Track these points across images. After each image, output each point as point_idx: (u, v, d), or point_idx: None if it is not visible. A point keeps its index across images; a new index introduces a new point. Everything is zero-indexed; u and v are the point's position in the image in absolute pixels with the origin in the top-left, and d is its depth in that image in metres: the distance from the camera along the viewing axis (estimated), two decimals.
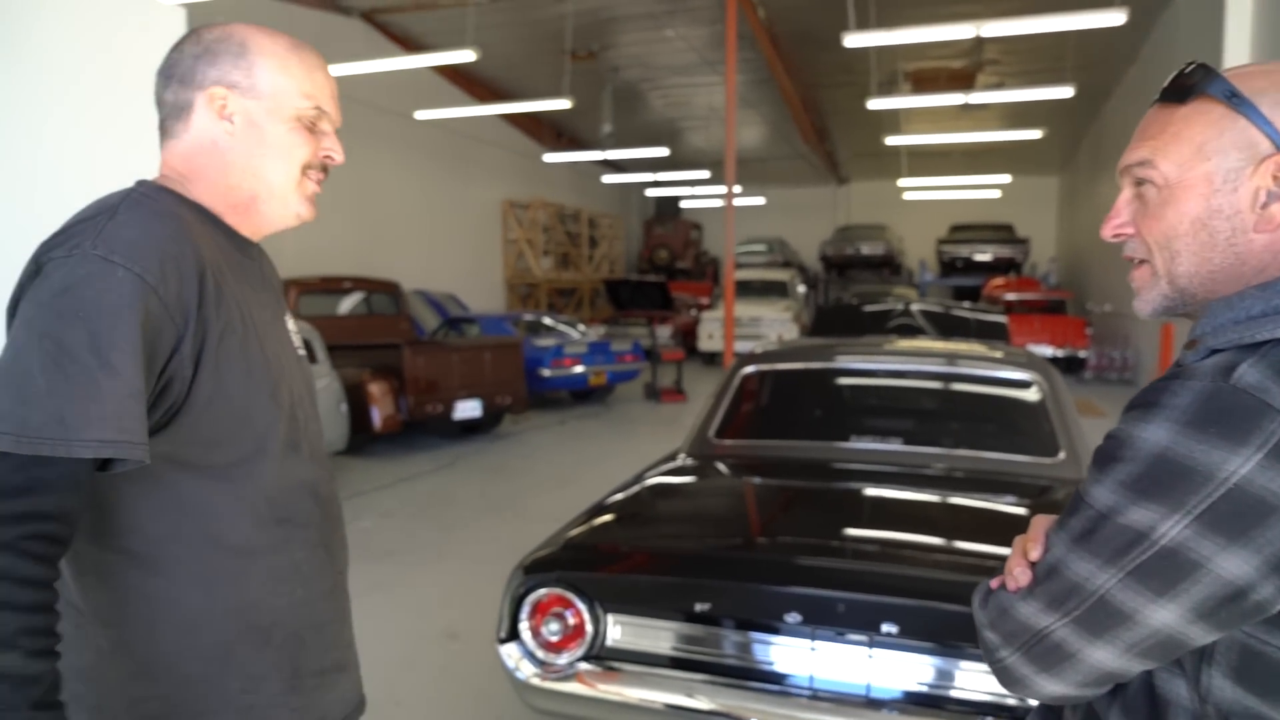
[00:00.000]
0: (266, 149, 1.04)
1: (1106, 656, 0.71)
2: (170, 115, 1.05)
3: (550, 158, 16.42)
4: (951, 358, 3.41)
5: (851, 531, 2.47)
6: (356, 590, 1.23)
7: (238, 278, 1.03)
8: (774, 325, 14.16)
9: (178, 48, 1.05)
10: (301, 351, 1.18)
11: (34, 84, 3.12)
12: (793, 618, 2.02)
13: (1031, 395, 3.13)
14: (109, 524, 0.94)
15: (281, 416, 1.03)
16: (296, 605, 1.05)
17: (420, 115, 12.12)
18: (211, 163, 1.04)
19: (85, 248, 0.87)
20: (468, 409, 7.82)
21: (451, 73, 13.89)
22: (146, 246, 0.89)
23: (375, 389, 7.05)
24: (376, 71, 9.60)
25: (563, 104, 10.80)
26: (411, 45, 12.40)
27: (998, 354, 3.41)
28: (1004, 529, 2.53)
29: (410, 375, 7.33)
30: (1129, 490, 0.69)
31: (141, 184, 1.03)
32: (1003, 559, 0.82)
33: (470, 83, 14.41)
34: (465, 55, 8.76)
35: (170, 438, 0.94)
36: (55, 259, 0.88)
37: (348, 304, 9.68)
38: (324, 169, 1.11)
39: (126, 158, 3.48)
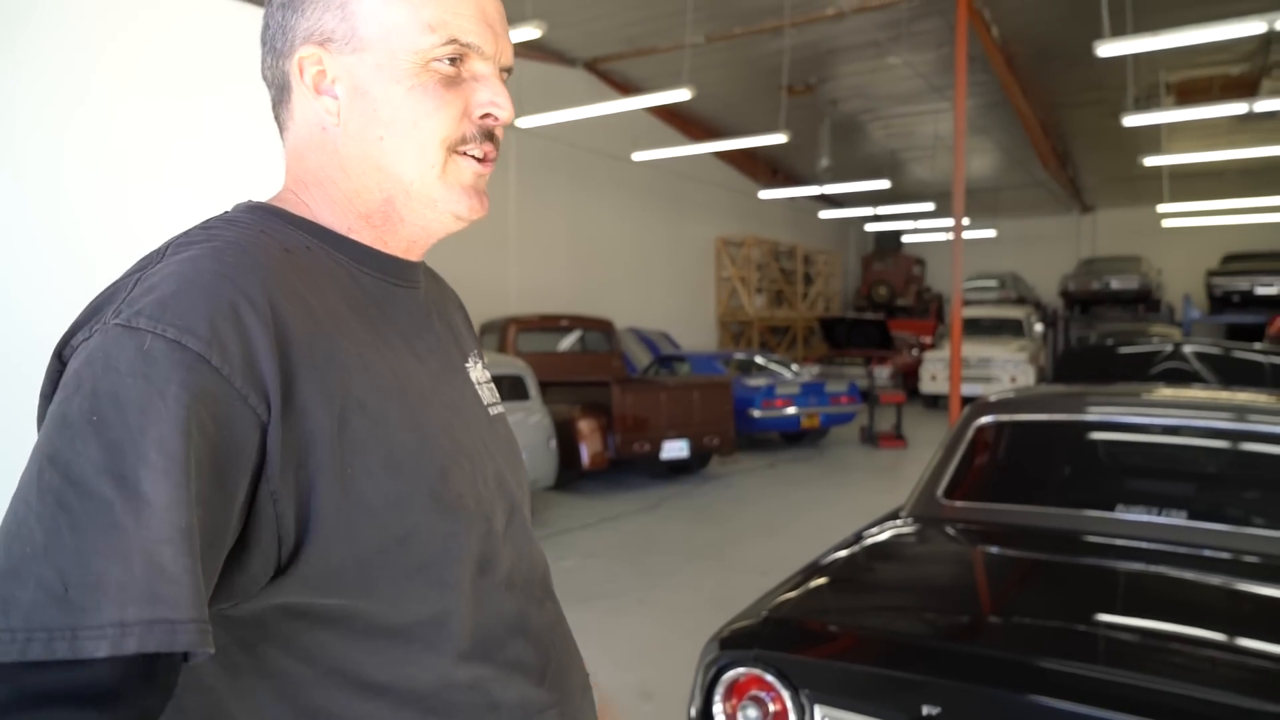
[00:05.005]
0: (381, 126, 0.71)
1: None
2: (275, 101, 0.76)
3: (765, 194, 16.24)
4: (1248, 412, 2.77)
5: (1124, 630, 1.98)
6: None
7: (377, 318, 0.72)
8: (1006, 367, 13.00)
9: None
10: (497, 409, 0.83)
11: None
12: None
13: None
14: None
15: (463, 522, 0.69)
16: None
17: (637, 157, 12.39)
18: (326, 161, 0.73)
19: (108, 318, 0.59)
20: (675, 449, 7.70)
21: (667, 114, 14.14)
22: (186, 295, 0.59)
23: (584, 426, 7.10)
24: (596, 116, 9.91)
25: (778, 139, 10.59)
26: (631, 90, 12.74)
27: None
28: None
29: (618, 413, 7.33)
30: None
31: (236, 206, 0.75)
32: None
33: (685, 123, 14.60)
34: (680, 94, 8.80)
35: (293, 585, 0.62)
36: (79, 346, 0.60)
37: (567, 342, 9.97)
38: (489, 136, 0.74)
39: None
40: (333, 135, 0.72)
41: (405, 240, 0.76)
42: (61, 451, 0.54)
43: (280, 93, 0.75)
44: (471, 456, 0.73)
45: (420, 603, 0.66)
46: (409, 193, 0.73)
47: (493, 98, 0.72)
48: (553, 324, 9.86)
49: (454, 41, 0.70)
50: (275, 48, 0.73)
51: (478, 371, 0.84)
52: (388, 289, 0.75)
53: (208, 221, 0.70)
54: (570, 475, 7.26)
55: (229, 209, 0.74)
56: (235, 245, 0.65)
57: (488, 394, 0.83)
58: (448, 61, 0.70)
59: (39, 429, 0.61)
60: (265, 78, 0.76)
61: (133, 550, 0.52)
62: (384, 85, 0.70)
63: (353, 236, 0.74)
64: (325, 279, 0.69)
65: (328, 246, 0.72)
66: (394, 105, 0.70)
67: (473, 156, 0.73)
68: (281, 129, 0.77)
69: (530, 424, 6.43)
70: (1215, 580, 2.21)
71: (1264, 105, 8.30)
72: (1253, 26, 6.07)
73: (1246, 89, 11.01)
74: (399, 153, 0.71)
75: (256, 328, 0.60)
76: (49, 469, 0.54)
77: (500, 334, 9.19)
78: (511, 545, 0.76)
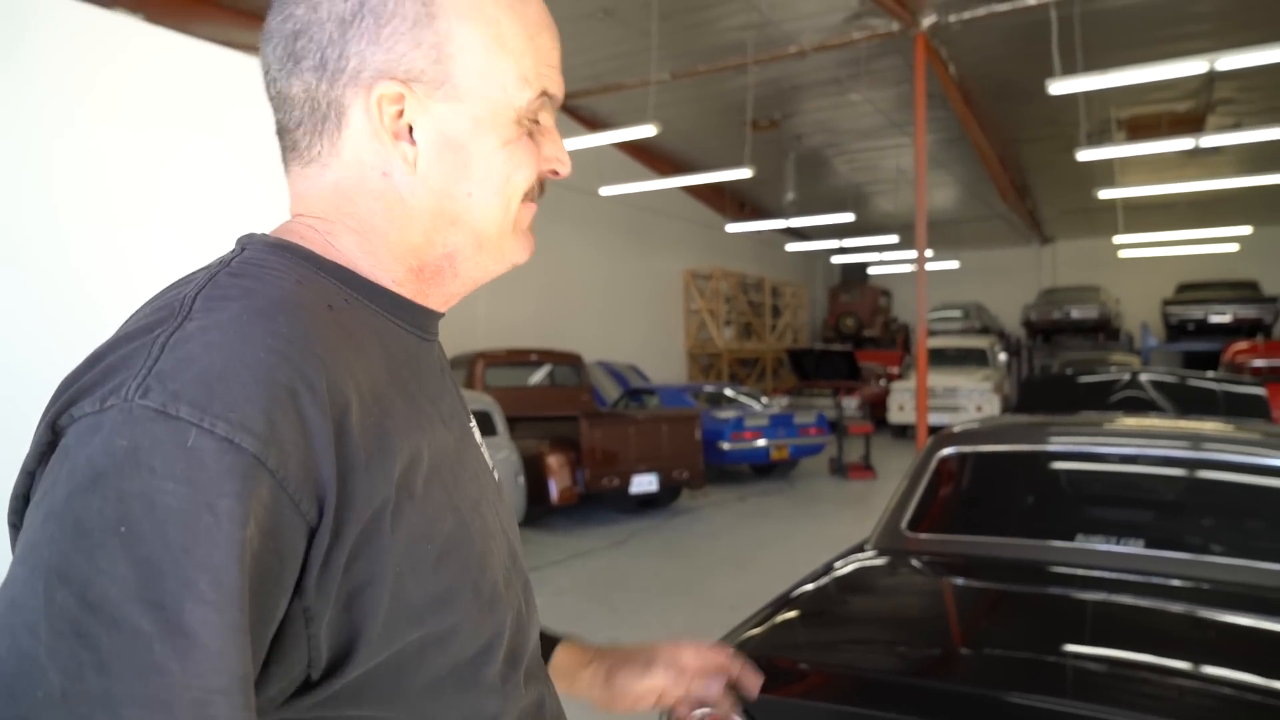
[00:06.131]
0: (473, 181, 0.63)
1: None
2: (303, 124, 0.63)
3: (732, 228, 16.42)
4: (1204, 440, 2.82)
5: (1086, 660, 1.99)
6: None
7: (410, 381, 0.64)
8: (972, 396, 13.18)
9: None
10: (496, 471, 0.77)
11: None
12: None
13: None
14: None
15: (499, 613, 0.63)
16: None
17: (605, 191, 12.48)
18: (381, 209, 0.63)
19: (129, 392, 0.48)
20: (644, 483, 7.66)
21: (634, 149, 14.28)
22: (237, 377, 0.49)
23: (553, 461, 7.05)
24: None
25: (744, 174, 10.73)
26: (599, 126, 12.87)
27: (1266, 435, 2.79)
28: None
29: (587, 447, 7.29)
30: None
31: (248, 243, 0.62)
32: None
33: (652, 158, 14.75)
34: (646, 130, 8.90)
35: (320, 701, 0.55)
36: (82, 419, 0.49)
37: (536, 376, 9.93)
38: (542, 186, 0.71)
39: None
40: (398, 183, 0.63)
41: (448, 294, 0.69)
42: (78, 567, 0.44)
43: (319, 120, 0.63)
44: (496, 535, 0.66)
45: (453, 708, 0.60)
46: (480, 245, 0.66)
47: (557, 153, 0.68)
48: (521, 358, 9.82)
49: (544, 95, 0.65)
50: (326, 64, 0.61)
51: (477, 431, 0.75)
52: (417, 344, 0.67)
53: (233, 266, 0.59)
54: (539, 511, 7.19)
55: (242, 247, 0.62)
56: (282, 306, 0.55)
57: (488, 456, 0.74)
58: (531, 116, 0.66)
59: (12, 510, 0.51)
60: (288, 94, 0.63)
61: (177, 699, 0.43)
62: (480, 139, 0.63)
63: (394, 289, 0.66)
64: (367, 339, 0.61)
65: (363, 298, 0.63)
66: (488, 160, 0.64)
67: (532, 203, 0.70)
68: (302, 158, 0.65)
69: (498, 460, 6.36)
70: (1173, 608, 2.22)
71: (1209, 140, 8.58)
72: (1195, 66, 6.30)
73: (1193, 125, 11.39)
74: (486, 209, 0.65)
75: (316, 421, 0.51)
76: (60, 589, 0.44)
77: (468, 369, 9.14)
78: (530, 629, 0.70)
